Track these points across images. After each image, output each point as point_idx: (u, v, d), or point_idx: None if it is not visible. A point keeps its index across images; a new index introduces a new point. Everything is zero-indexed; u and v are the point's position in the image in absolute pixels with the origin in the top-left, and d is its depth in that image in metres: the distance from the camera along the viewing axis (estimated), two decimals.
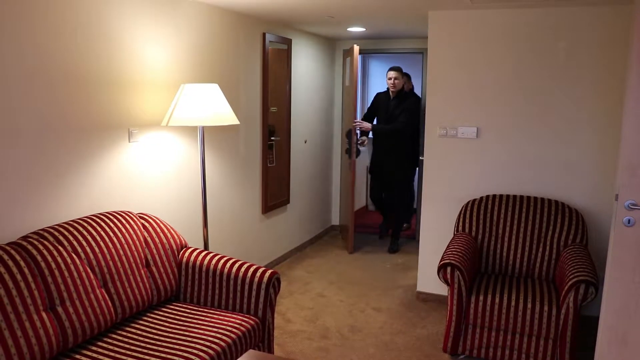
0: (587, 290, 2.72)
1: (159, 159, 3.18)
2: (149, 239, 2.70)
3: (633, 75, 2.38)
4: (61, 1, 2.45)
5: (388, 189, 5.34)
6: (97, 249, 2.40)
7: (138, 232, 2.65)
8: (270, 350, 2.73)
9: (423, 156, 4.06)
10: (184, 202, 3.42)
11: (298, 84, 4.96)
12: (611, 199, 2.61)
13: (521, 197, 3.52)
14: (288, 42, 4.65)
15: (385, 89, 5.19)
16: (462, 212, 3.58)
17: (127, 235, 2.57)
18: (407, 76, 5.35)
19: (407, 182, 5.40)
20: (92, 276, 2.33)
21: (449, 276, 2.96)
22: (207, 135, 3.56)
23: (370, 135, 5.37)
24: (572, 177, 3.56)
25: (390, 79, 4.99)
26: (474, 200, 3.60)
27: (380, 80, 6.91)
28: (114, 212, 2.65)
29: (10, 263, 2.04)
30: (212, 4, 3.51)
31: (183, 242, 2.89)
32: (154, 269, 2.67)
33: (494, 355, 2.99)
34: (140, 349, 2.23)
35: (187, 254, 2.82)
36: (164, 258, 2.74)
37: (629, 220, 2.43)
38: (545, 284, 3.18)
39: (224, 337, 2.36)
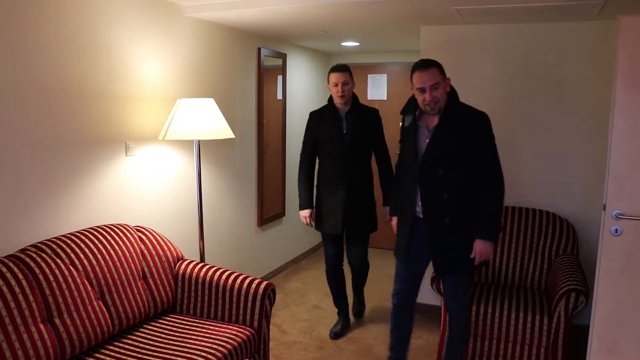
0: (577, 299, 2.76)
1: (156, 173, 3.22)
2: (145, 251, 2.73)
3: (618, 89, 2.45)
4: (57, 16, 2.50)
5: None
6: (94, 262, 2.43)
7: (135, 244, 2.68)
8: None
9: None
10: (181, 215, 3.46)
11: (293, 97, 5.02)
12: (600, 209, 2.67)
13: (513, 207, 3.57)
14: (283, 57, 4.72)
15: (327, 104, 3.50)
16: None
17: (124, 247, 2.61)
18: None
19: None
20: (89, 288, 2.35)
21: (441, 286, 3.00)
22: (203, 149, 3.60)
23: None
24: (562, 188, 3.61)
25: (335, 84, 3.31)
26: None
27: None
28: (111, 225, 2.68)
29: (8, 275, 2.06)
30: (208, 20, 3.57)
31: (179, 254, 2.92)
32: (150, 281, 2.70)
33: None
34: None
35: (183, 266, 2.85)
36: (161, 270, 2.77)
37: (616, 230, 2.49)
38: (537, 294, 3.21)
39: (220, 348, 2.39)
